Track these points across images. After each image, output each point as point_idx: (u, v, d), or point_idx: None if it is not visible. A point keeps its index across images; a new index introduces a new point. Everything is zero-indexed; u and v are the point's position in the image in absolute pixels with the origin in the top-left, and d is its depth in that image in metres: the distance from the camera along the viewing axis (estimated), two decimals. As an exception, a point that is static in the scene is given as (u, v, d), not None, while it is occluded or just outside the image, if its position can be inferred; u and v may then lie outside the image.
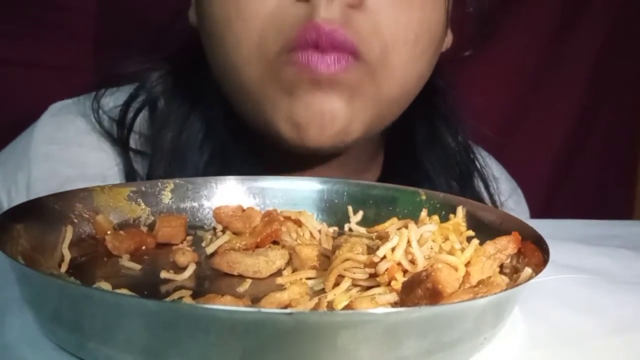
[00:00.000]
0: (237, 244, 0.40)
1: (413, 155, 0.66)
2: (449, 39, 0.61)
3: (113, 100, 0.62)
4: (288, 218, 0.43)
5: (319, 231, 0.43)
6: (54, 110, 0.64)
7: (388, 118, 0.57)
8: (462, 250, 0.35)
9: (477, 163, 0.69)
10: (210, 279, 0.38)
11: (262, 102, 0.53)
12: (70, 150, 0.61)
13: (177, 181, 0.46)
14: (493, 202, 0.68)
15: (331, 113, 0.51)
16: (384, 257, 0.34)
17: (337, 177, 0.49)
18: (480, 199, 0.65)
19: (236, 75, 0.53)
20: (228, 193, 0.47)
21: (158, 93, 0.62)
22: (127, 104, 0.61)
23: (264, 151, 0.59)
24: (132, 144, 0.61)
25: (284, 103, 0.51)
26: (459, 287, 0.32)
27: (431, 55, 0.55)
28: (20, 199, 0.59)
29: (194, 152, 0.58)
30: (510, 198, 0.74)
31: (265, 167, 0.52)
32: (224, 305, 0.31)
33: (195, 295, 0.33)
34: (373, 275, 0.34)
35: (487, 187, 0.68)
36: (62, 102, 0.65)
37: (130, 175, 0.59)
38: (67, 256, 0.38)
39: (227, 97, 0.57)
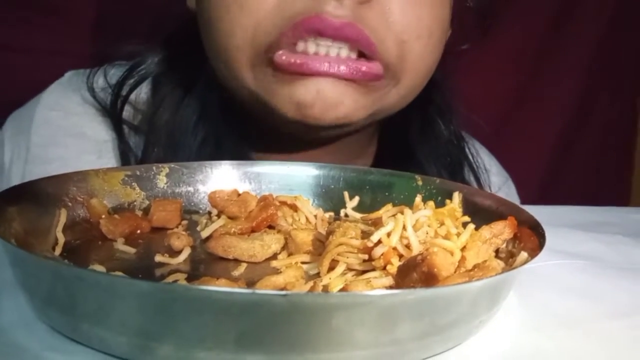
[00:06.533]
0: (233, 228, 0.40)
1: (406, 144, 0.66)
2: (447, 32, 0.61)
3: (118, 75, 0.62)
4: (284, 203, 0.43)
5: (315, 216, 0.43)
6: (65, 77, 0.64)
7: (394, 109, 0.57)
8: (458, 235, 0.35)
9: (468, 154, 0.69)
10: (205, 263, 0.37)
11: (257, 86, 0.52)
12: (70, 119, 0.61)
13: (172, 165, 0.46)
14: None
15: (337, 99, 0.50)
16: (379, 241, 0.33)
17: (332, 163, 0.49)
18: None
19: (228, 61, 0.53)
20: (223, 178, 0.47)
21: (157, 70, 0.61)
22: (124, 77, 0.61)
23: (256, 136, 0.59)
24: (129, 119, 0.61)
25: (284, 88, 0.51)
26: (455, 271, 0.32)
27: (441, 48, 0.56)
28: (20, 161, 0.59)
29: (188, 134, 0.58)
30: (500, 190, 0.74)
31: (257, 151, 0.52)
32: (218, 287, 0.30)
33: (190, 279, 0.33)
34: (368, 260, 0.34)
35: (477, 177, 0.69)
36: (75, 70, 0.65)
37: (124, 150, 0.59)
38: (61, 239, 0.37)
39: (222, 82, 0.57)
